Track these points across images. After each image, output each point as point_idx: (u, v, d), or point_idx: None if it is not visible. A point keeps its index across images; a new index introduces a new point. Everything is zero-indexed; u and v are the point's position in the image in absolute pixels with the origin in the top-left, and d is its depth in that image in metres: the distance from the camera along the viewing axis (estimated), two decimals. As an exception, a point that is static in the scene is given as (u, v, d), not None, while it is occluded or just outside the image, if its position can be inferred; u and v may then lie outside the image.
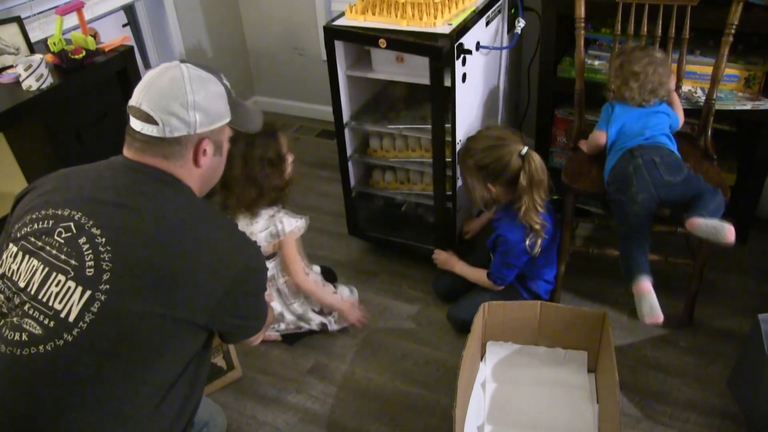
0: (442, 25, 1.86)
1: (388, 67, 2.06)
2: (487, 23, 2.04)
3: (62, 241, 1.08)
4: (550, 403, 1.72)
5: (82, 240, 1.07)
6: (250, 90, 3.45)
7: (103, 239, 1.07)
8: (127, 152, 1.17)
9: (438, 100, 1.87)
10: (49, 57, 1.89)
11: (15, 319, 1.07)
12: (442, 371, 1.91)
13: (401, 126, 2.14)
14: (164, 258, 1.07)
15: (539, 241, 1.84)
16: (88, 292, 1.04)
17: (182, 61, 1.19)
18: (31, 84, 1.77)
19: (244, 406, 1.85)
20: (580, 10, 1.93)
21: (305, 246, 1.98)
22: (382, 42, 1.85)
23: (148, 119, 1.12)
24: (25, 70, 1.76)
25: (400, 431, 1.75)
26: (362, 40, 1.94)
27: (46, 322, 1.05)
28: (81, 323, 1.03)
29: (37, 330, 1.04)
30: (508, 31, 2.26)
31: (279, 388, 1.90)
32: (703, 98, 1.97)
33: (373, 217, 2.41)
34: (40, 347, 1.03)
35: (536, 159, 1.79)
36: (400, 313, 2.13)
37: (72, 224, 1.09)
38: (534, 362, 1.83)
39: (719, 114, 1.96)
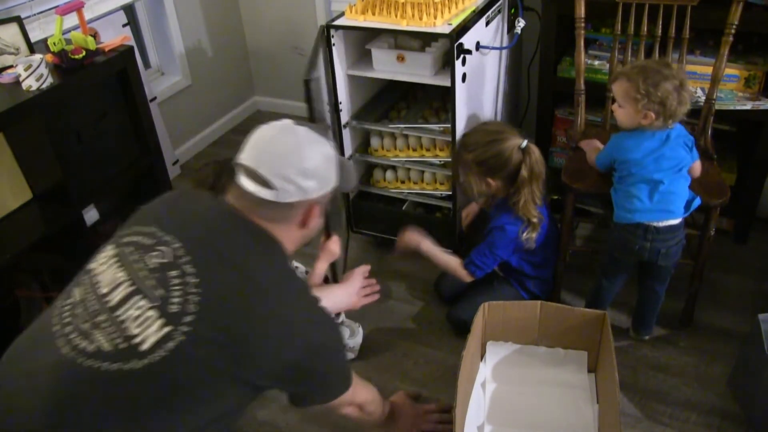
0: (441, 25, 1.86)
1: (388, 67, 2.06)
2: (487, 23, 2.04)
3: (153, 266, 1.08)
4: (550, 403, 1.72)
5: (173, 273, 1.07)
6: (251, 90, 3.45)
7: (196, 280, 1.06)
8: (235, 202, 1.18)
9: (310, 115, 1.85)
10: (49, 57, 1.89)
11: (86, 326, 1.06)
12: (442, 371, 1.91)
13: (402, 125, 2.14)
14: (243, 318, 1.06)
15: (534, 236, 1.84)
16: (168, 328, 1.03)
17: (296, 123, 1.21)
18: (31, 84, 1.77)
19: (244, 406, 1.85)
20: (580, 10, 1.93)
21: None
22: None
23: (264, 184, 1.14)
24: (25, 70, 1.75)
25: (400, 431, 1.75)
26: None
27: (117, 342, 1.03)
28: (152, 356, 1.02)
29: (106, 347, 1.03)
30: (508, 31, 2.26)
31: (279, 388, 1.90)
32: (703, 98, 1.97)
33: (374, 217, 2.41)
34: (104, 365, 1.02)
35: (536, 152, 1.79)
36: (400, 313, 2.13)
37: (170, 252, 1.09)
38: (534, 362, 1.83)
39: (719, 114, 1.96)
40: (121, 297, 1.07)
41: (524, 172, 1.77)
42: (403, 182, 2.29)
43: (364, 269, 1.75)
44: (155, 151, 2.24)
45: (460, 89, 1.91)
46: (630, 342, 1.95)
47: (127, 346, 1.02)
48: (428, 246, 1.98)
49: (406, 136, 2.19)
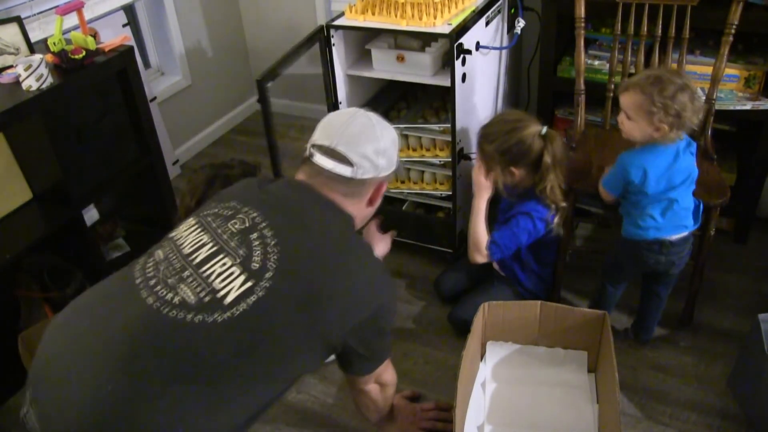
0: (441, 25, 1.86)
1: (388, 67, 2.07)
2: (487, 23, 2.05)
3: (235, 230, 1.16)
4: (550, 403, 1.72)
5: (254, 236, 1.14)
6: (251, 90, 3.45)
7: (274, 241, 1.13)
8: (307, 179, 1.27)
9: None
10: (49, 57, 1.89)
11: (171, 281, 1.11)
12: (442, 371, 1.91)
13: (402, 125, 2.14)
14: (321, 274, 1.14)
15: (559, 221, 1.82)
16: (250, 283, 1.09)
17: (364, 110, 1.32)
18: (31, 84, 1.77)
19: (244, 406, 1.85)
20: (580, 10, 1.93)
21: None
22: None
23: (342, 160, 1.24)
24: (25, 70, 1.75)
25: (400, 431, 1.75)
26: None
27: (202, 295, 1.08)
28: (235, 309, 1.07)
29: (191, 299, 1.08)
30: (508, 31, 2.26)
31: (279, 388, 1.90)
32: (703, 98, 1.97)
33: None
34: (189, 316, 1.06)
35: (557, 137, 1.77)
36: (400, 313, 2.13)
37: (247, 219, 1.17)
38: (534, 362, 1.83)
39: (719, 114, 1.96)
40: (206, 255, 1.13)
41: (547, 158, 1.75)
42: (403, 182, 2.29)
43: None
44: (155, 151, 2.24)
45: (460, 89, 1.91)
46: (630, 342, 1.95)
47: (211, 299, 1.07)
48: (480, 203, 1.85)
49: (406, 136, 2.19)
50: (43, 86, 1.79)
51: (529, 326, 1.82)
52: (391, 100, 2.34)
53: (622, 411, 1.74)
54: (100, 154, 2.07)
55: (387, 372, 1.45)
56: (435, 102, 2.29)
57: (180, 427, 1.04)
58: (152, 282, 1.11)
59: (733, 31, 1.79)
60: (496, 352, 1.86)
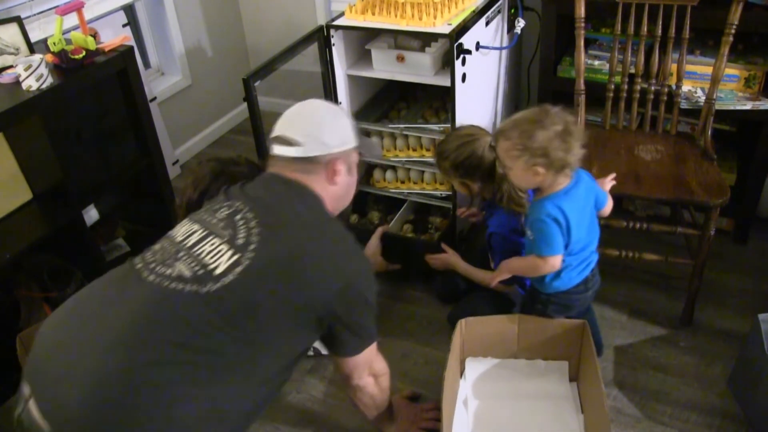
0: (441, 25, 1.86)
1: (388, 67, 2.07)
2: (487, 23, 2.05)
3: (222, 216, 1.29)
4: (535, 416, 1.69)
5: (238, 217, 1.27)
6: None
7: (255, 221, 1.25)
8: (272, 169, 1.38)
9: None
10: (49, 57, 1.89)
11: (168, 261, 1.23)
12: (442, 371, 1.91)
13: (402, 125, 2.14)
14: (298, 243, 1.24)
15: None
16: (237, 255, 1.20)
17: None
18: (31, 84, 1.77)
19: (244, 406, 1.85)
20: (580, 10, 1.93)
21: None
22: None
23: (291, 143, 1.34)
24: (25, 70, 1.75)
25: (400, 431, 1.75)
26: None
27: (196, 269, 1.19)
28: (224, 279, 1.17)
29: (186, 273, 1.19)
30: (508, 31, 2.26)
31: (279, 388, 1.90)
32: (703, 98, 1.97)
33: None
34: (186, 287, 1.16)
35: None
36: (400, 313, 2.13)
37: (232, 207, 1.30)
38: (515, 375, 1.79)
39: (719, 114, 1.96)
40: (197, 239, 1.26)
41: (499, 168, 1.73)
42: (403, 182, 2.29)
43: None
44: (155, 151, 2.24)
45: (460, 89, 1.91)
46: (630, 342, 1.95)
47: (204, 272, 1.18)
48: (464, 267, 2.01)
49: (406, 136, 2.19)
50: (43, 86, 1.79)
51: (508, 340, 1.79)
52: (391, 100, 2.34)
53: (622, 411, 1.75)
54: (100, 154, 2.07)
55: (377, 361, 1.48)
56: (435, 102, 2.29)
57: (183, 398, 1.10)
58: (152, 265, 1.22)
59: (733, 31, 1.79)
60: (475, 368, 1.81)
